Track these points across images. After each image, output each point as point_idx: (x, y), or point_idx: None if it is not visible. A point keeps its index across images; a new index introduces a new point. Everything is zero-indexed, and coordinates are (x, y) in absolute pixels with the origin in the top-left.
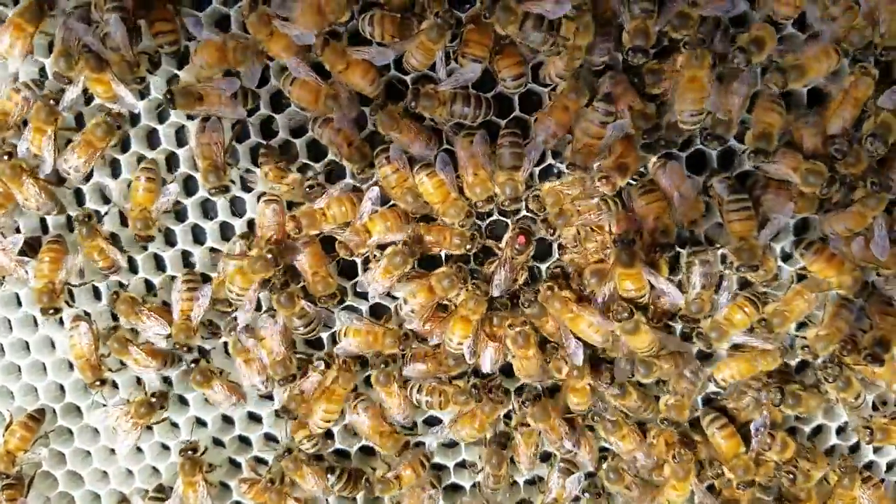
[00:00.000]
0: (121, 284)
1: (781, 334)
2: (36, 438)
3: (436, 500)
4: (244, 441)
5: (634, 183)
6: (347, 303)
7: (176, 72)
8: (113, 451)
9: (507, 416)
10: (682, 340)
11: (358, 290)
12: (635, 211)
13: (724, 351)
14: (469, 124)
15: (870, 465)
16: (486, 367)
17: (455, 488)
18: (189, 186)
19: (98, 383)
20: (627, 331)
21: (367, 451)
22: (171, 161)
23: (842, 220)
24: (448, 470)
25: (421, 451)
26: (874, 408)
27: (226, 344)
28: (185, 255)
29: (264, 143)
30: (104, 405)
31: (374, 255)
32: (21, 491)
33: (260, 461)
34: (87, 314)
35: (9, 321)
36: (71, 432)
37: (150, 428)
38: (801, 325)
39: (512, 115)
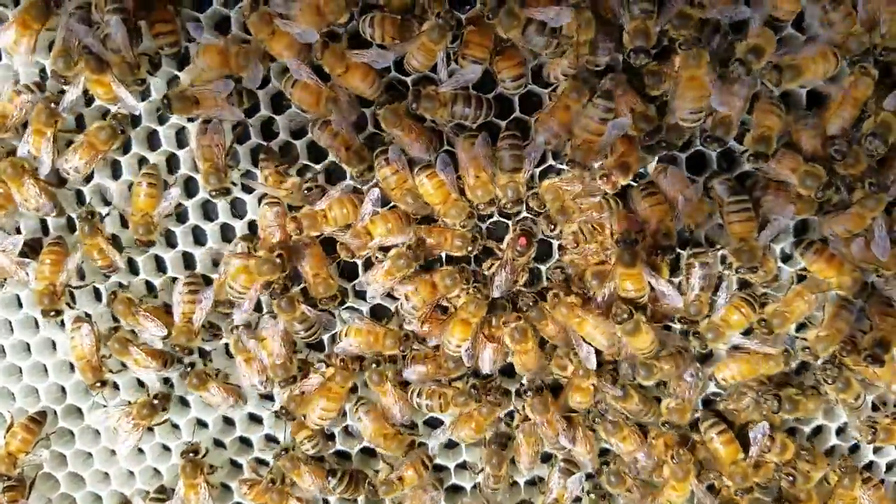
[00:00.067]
0: (120, 285)
1: (781, 336)
2: (37, 440)
3: (437, 501)
4: (245, 442)
5: (636, 185)
6: (348, 304)
7: (176, 73)
8: (114, 452)
9: (510, 416)
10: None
11: (357, 289)
12: (638, 213)
13: (724, 352)
14: (470, 125)
15: (869, 466)
16: (486, 368)
17: (456, 489)
18: (190, 188)
19: (99, 384)
20: (628, 332)
21: (368, 453)
22: (172, 162)
23: (841, 222)
24: (449, 471)
25: (423, 452)
26: (874, 408)
27: (227, 345)
28: (185, 256)
29: (265, 144)
30: (105, 406)
31: (377, 258)
32: (22, 493)
33: (261, 462)
34: (87, 315)
35: (10, 323)
36: (72, 434)
37: (151, 429)
38: (801, 327)
39: (512, 117)
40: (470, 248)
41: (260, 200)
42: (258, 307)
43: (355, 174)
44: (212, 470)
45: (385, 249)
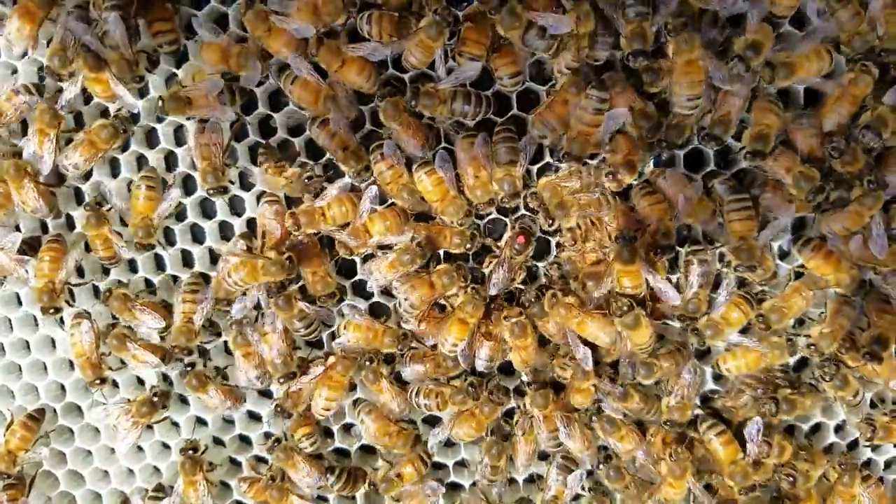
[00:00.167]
0: (119, 283)
1: (779, 332)
2: (37, 438)
3: (437, 496)
4: (244, 440)
5: (635, 183)
6: (347, 301)
7: (175, 71)
8: (114, 450)
9: (510, 415)
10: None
11: (356, 287)
12: (637, 211)
13: (721, 348)
14: (469, 122)
15: (868, 463)
16: (481, 366)
17: (454, 486)
18: (188, 186)
19: (98, 382)
20: (628, 325)
21: (367, 450)
22: (170, 160)
23: (839, 220)
24: (447, 469)
25: (422, 448)
26: (872, 405)
27: (226, 343)
28: (184, 254)
29: (263, 142)
30: (104, 404)
31: (377, 256)
32: (22, 491)
33: (260, 460)
34: (87, 313)
35: (9, 320)
36: (72, 432)
37: (150, 427)
38: (801, 323)
39: (510, 114)
40: (469, 246)
41: (258, 199)
42: (259, 304)
43: (353, 174)
44: (211, 467)
45: (384, 248)
